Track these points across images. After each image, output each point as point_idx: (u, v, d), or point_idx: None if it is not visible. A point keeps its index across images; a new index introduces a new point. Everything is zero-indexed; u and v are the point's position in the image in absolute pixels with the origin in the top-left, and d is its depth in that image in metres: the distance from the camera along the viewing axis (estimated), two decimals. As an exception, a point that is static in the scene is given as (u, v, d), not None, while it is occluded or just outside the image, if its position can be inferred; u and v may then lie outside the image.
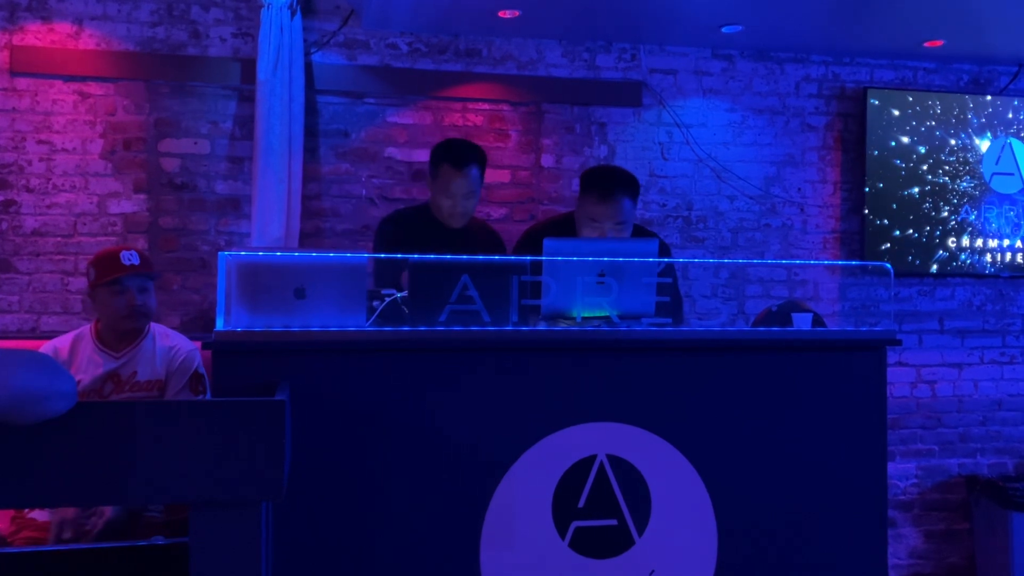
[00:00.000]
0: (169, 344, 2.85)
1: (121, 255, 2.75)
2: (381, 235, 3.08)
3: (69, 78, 3.47)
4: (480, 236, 3.15)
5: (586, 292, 2.28)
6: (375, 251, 3.08)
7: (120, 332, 2.77)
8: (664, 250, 3.08)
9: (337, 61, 3.69)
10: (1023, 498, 3.85)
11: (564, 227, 3.05)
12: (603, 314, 2.31)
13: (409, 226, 3.05)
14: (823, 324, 2.54)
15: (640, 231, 3.14)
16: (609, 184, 2.77)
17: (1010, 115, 4.21)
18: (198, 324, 3.51)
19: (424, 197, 3.70)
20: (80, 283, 3.39)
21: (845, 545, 2.31)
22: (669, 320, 2.33)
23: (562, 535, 2.15)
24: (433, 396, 2.11)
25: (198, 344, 2.87)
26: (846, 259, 4.16)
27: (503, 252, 3.16)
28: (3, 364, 1.44)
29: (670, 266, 2.68)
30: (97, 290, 2.76)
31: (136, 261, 2.76)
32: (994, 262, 4.20)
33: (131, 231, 3.51)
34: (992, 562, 4.00)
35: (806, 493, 2.29)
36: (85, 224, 3.48)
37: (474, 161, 3.01)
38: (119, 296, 2.74)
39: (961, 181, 4.17)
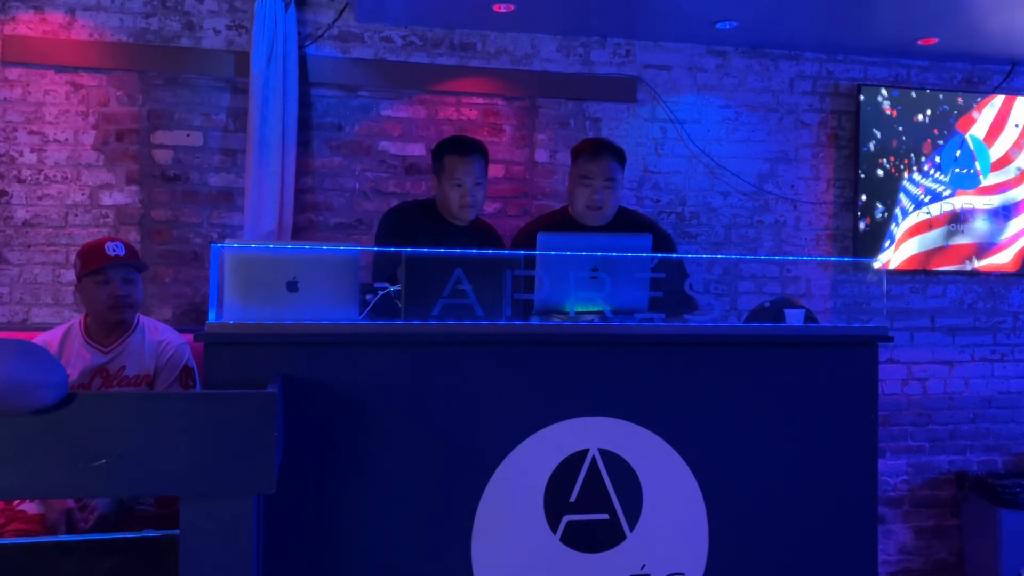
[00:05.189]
0: (158, 338, 2.83)
1: (106, 245, 2.72)
2: (385, 225, 3.08)
3: (61, 68, 3.46)
4: (485, 235, 3.15)
5: (579, 287, 2.28)
6: (378, 240, 3.08)
7: (107, 324, 2.75)
8: (665, 241, 3.10)
9: (331, 54, 3.68)
10: (1012, 495, 3.87)
11: (560, 221, 3.07)
12: (596, 309, 2.31)
13: (414, 219, 3.04)
14: (815, 320, 2.54)
15: (632, 217, 3.16)
16: (598, 145, 3.07)
17: (1002, 113, 4.22)
18: (190, 317, 3.50)
19: (417, 191, 3.71)
20: (71, 275, 3.37)
21: (835, 540, 2.32)
22: (662, 315, 2.34)
23: (553, 529, 2.15)
24: (425, 390, 2.11)
25: (189, 337, 2.85)
26: (838, 256, 4.17)
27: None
28: (-7, 354, 1.44)
29: (679, 262, 2.77)
30: (83, 281, 2.74)
31: (121, 251, 2.72)
32: (987, 260, 4.21)
33: (123, 223, 3.50)
34: (980, 558, 4.02)
35: (797, 488, 2.30)
36: (77, 216, 3.47)
37: (478, 150, 3.03)
38: (103, 287, 2.71)
39: (955, 179, 4.18)
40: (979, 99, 4.20)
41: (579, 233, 3.00)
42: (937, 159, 4.16)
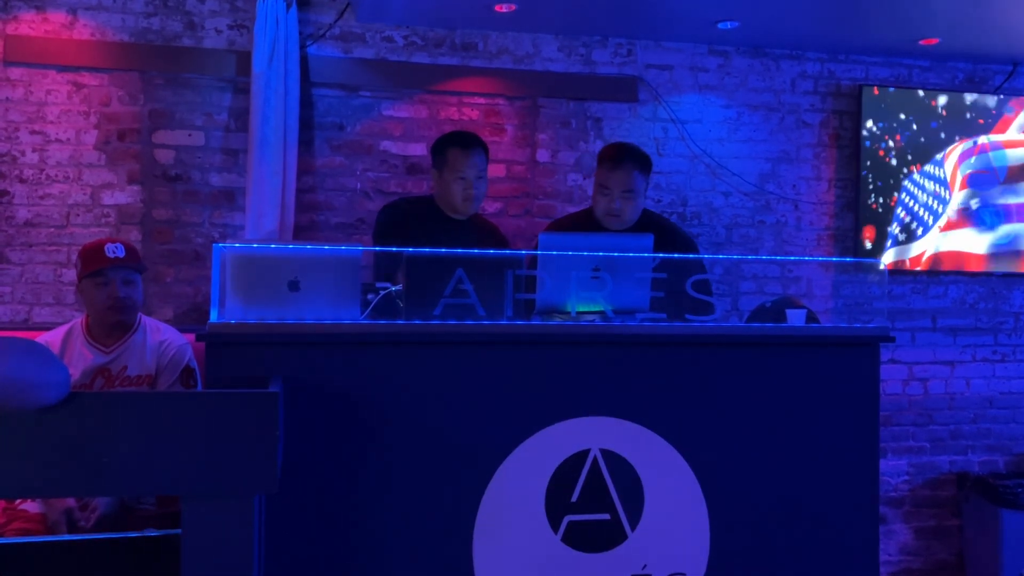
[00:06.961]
0: (160, 338, 2.83)
1: (106, 247, 2.72)
2: (379, 222, 3.08)
3: (63, 68, 3.46)
4: (483, 230, 3.15)
5: (580, 287, 2.28)
6: (375, 238, 3.08)
7: (107, 325, 2.75)
8: (688, 246, 3.08)
9: (333, 54, 3.68)
10: (1013, 495, 3.87)
11: (583, 222, 3.07)
12: (597, 309, 2.31)
13: (410, 216, 3.04)
14: (817, 320, 2.54)
15: (655, 221, 3.14)
16: (620, 154, 3.01)
17: (1004, 114, 4.21)
18: (191, 317, 3.50)
19: (418, 191, 3.71)
20: (72, 274, 3.37)
21: (837, 539, 2.32)
22: (664, 315, 2.33)
23: (555, 529, 2.16)
24: (427, 390, 2.11)
25: (191, 337, 2.85)
26: (840, 256, 4.17)
27: (506, 247, 3.16)
28: (-4, 353, 1.44)
29: (699, 263, 2.76)
30: (83, 282, 2.74)
31: (120, 253, 2.71)
32: (988, 260, 4.20)
33: (124, 223, 3.50)
34: (981, 559, 4.02)
35: (798, 488, 2.30)
36: (78, 215, 3.47)
37: (479, 144, 3.06)
38: (102, 288, 2.71)
39: (956, 179, 4.18)
40: (992, 100, 4.19)
41: (581, 233, 3.00)
42: (938, 157, 4.16)
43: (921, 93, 4.14)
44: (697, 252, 3.21)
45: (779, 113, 4.11)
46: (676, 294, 2.36)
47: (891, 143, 4.11)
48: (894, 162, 4.11)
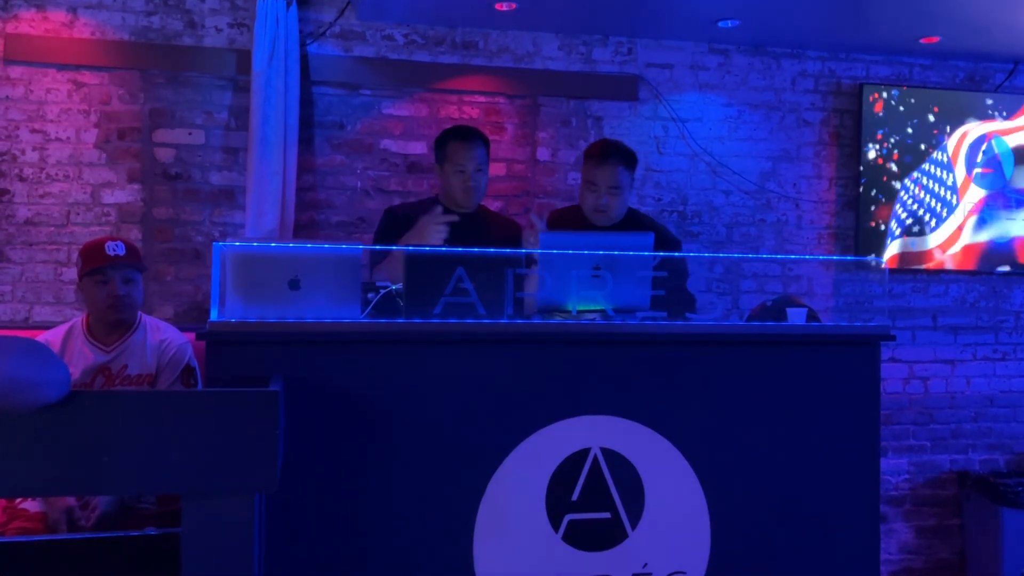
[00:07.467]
0: (160, 337, 2.83)
1: (106, 245, 2.71)
2: (380, 224, 3.08)
3: (63, 67, 3.45)
4: (490, 223, 3.14)
5: (581, 285, 2.28)
6: (376, 239, 3.08)
7: (107, 324, 2.74)
8: (672, 245, 3.09)
9: (333, 52, 3.68)
10: (1014, 494, 3.87)
11: (573, 216, 3.09)
12: (598, 307, 2.31)
13: (412, 219, 3.03)
14: (817, 319, 2.54)
15: (640, 219, 3.15)
16: (606, 151, 3.03)
17: (1004, 113, 4.21)
18: (192, 315, 3.50)
19: (419, 189, 3.71)
20: (73, 273, 3.38)
21: (837, 538, 2.32)
22: (664, 314, 2.33)
23: (555, 528, 2.15)
24: (427, 388, 2.11)
25: (191, 335, 2.85)
26: (840, 255, 4.16)
27: (519, 237, 3.17)
28: (-4, 352, 1.44)
29: (681, 261, 2.76)
30: (83, 280, 2.74)
31: (121, 251, 2.71)
32: (989, 259, 4.20)
33: (125, 221, 3.50)
34: (982, 558, 4.02)
35: (799, 487, 2.30)
36: (78, 214, 3.47)
37: (479, 137, 3.07)
38: (102, 286, 2.70)
39: (956, 178, 4.17)
40: (993, 99, 4.19)
41: (582, 232, 3.01)
42: (938, 156, 4.15)
43: (921, 92, 4.13)
44: (680, 251, 3.22)
45: (780, 112, 4.11)
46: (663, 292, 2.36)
47: (892, 142, 4.10)
48: (895, 160, 4.11)
